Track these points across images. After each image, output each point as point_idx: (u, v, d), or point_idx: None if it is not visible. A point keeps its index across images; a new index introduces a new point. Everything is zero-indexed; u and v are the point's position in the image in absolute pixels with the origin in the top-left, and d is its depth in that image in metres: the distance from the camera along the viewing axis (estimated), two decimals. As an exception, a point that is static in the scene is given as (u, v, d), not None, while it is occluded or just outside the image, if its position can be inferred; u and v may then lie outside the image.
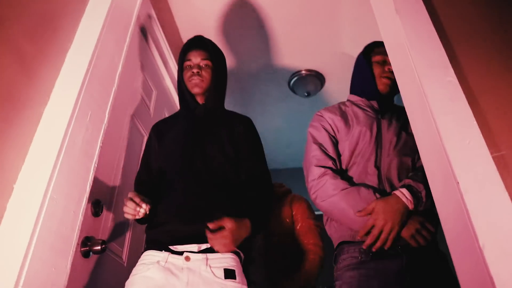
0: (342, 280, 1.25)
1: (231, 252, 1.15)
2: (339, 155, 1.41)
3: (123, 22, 1.41)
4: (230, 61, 2.65)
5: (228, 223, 1.13)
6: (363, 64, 1.54)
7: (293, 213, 1.97)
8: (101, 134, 1.19)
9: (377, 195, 1.27)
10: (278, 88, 2.94)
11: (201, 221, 1.15)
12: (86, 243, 1.20)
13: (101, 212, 1.33)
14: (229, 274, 1.09)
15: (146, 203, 1.15)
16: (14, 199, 0.89)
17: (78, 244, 1.04)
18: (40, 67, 1.05)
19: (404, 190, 1.23)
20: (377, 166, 1.34)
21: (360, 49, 2.45)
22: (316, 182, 1.33)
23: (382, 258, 1.22)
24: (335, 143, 1.43)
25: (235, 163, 1.34)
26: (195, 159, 1.30)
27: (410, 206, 1.21)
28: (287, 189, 2.14)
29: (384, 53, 1.50)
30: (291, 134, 3.57)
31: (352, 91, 1.59)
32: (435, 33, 1.15)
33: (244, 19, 2.31)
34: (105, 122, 1.21)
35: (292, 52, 2.59)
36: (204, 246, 1.13)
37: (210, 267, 1.08)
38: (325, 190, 1.30)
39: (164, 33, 2.13)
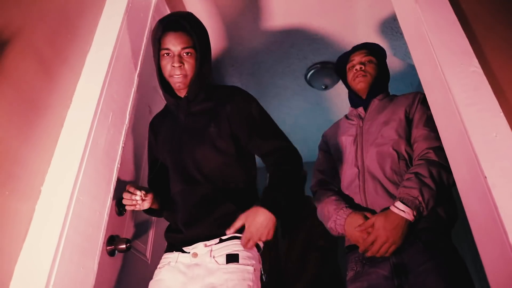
0: None
1: (239, 238, 1.13)
2: (333, 167, 1.55)
3: (140, 22, 1.42)
4: (245, 55, 2.64)
5: (242, 221, 1.11)
6: (342, 81, 1.69)
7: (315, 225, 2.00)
8: (123, 135, 1.21)
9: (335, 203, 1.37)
10: (294, 82, 2.91)
11: (207, 222, 1.15)
12: (111, 242, 1.23)
13: (125, 211, 1.35)
14: (231, 258, 1.08)
15: (142, 190, 1.14)
16: (42, 201, 0.91)
17: (103, 243, 1.06)
18: (60, 71, 1.07)
19: (399, 204, 1.20)
20: (357, 166, 1.39)
21: (376, 39, 2.41)
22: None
23: (372, 265, 1.25)
24: (329, 156, 1.59)
25: (235, 156, 1.22)
26: (187, 166, 1.21)
27: (410, 218, 1.18)
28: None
29: (351, 58, 1.59)
30: (308, 128, 3.54)
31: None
32: (457, 22, 1.12)
33: (259, 12, 2.29)
34: (126, 123, 1.22)
35: (308, 44, 2.56)
36: (211, 243, 1.12)
37: (213, 257, 1.08)
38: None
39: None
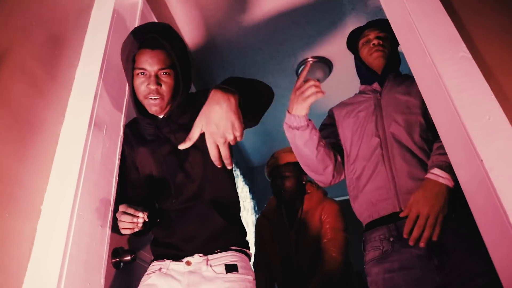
0: (370, 276, 1.21)
1: (234, 250, 1.12)
2: (335, 143, 1.48)
3: (127, 31, 1.41)
4: (235, 55, 2.63)
5: (198, 127, 0.88)
6: (354, 56, 1.59)
7: (322, 219, 1.95)
8: (118, 146, 1.20)
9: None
10: (286, 78, 2.92)
11: (202, 239, 1.12)
12: (116, 254, 1.23)
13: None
14: (230, 268, 1.07)
15: (142, 211, 1.00)
16: (43, 220, 0.91)
17: (108, 256, 1.06)
18: (51, 87, 1.06)
19: (436, 170, 1.10)
20: (378, 135, 1.30)
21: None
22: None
23: (404, 244, 1.13)
24: (334, 130, 1.51)
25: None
26: (181, 186, 1.17)
27: (451, 184, 1.08)
28: (322, 193, 2.10)
29: (366, 33, 1.52)
30: (303, 123, 3.55)
31: (360, 82, 1.61)
32: (443, 9, 1.12)
33: (246, 12, 2.29)
34: (121, 134, 1.22)
35: (297, 40, 2.56)
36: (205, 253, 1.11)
37: (210, 266, 1.07)
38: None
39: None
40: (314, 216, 1.97)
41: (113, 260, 1.21)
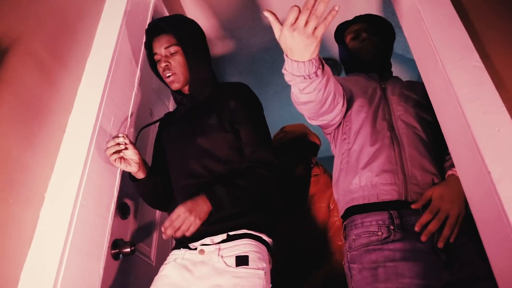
0: (361, 264, 1.06)
1: (249, 238, 1.08)
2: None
3: (139, 25, 1.41)
4: (244, 53, 2.63)
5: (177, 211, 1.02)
6: (343, 50, 1.51)
7: (331, 208, 1.72)
8: (125, 138, 1.20)
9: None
10: (294, 80, 2.92)
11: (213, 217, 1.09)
12: (116, 246, 1.23)
13: (129, 215, 1.35)
14: (241, 261, 1.03)
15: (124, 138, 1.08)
16: (46, 207, 0.91)
17: (108, 247, 1.06)
18: (61, 76, 1.07)
19: None
20: (386, 119, 1.21)
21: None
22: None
23: (407, 236, 1.02)
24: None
25: (236, 148, 1.19)
26: (189, 160, 1.18)
27: None
28: (329, 177, 1.82)
29: (352, 28, 1.47)
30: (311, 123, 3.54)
31: (349, 72, 1.50)
32: (457, 17, 1.11)
33: (256, 10, 2.29)
34: (127, 126, 1.22)
35: (307, 42, 2.56)
36: (218, 239, 1.08)
37: (222, 257, 1.05)
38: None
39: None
40: (321, 202, 1.73)
41: (112, 251, 1.21)
